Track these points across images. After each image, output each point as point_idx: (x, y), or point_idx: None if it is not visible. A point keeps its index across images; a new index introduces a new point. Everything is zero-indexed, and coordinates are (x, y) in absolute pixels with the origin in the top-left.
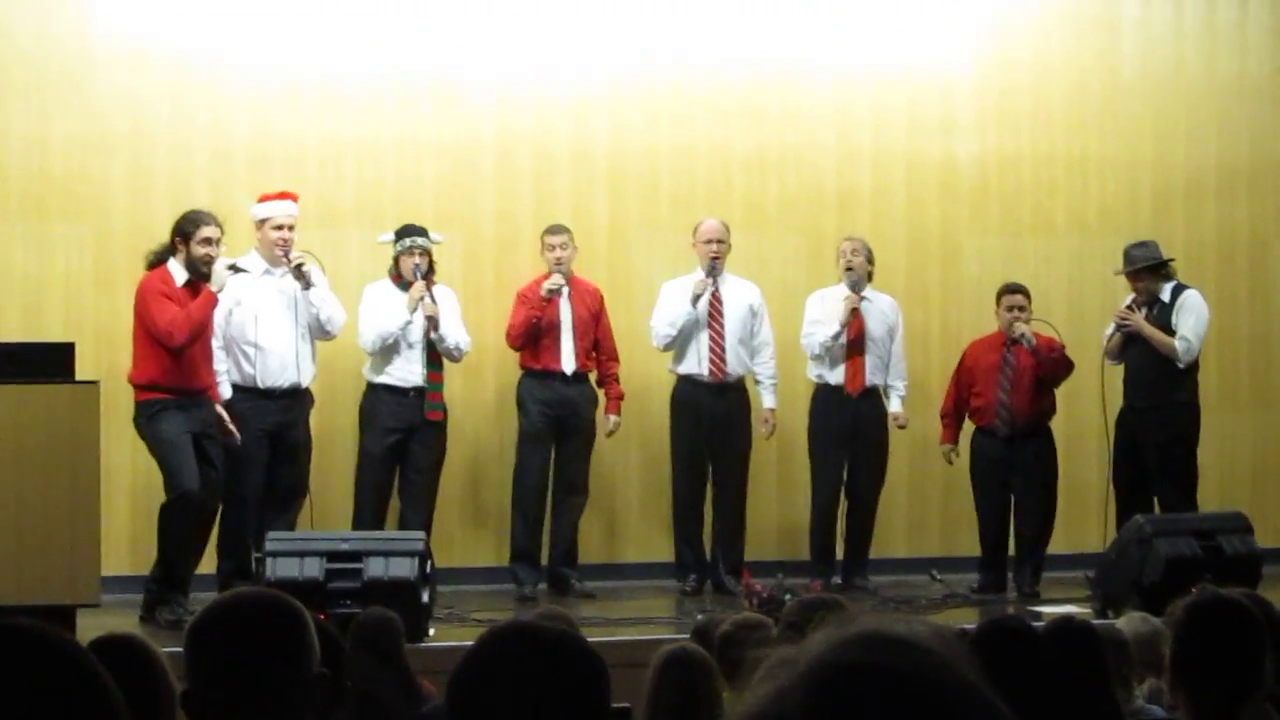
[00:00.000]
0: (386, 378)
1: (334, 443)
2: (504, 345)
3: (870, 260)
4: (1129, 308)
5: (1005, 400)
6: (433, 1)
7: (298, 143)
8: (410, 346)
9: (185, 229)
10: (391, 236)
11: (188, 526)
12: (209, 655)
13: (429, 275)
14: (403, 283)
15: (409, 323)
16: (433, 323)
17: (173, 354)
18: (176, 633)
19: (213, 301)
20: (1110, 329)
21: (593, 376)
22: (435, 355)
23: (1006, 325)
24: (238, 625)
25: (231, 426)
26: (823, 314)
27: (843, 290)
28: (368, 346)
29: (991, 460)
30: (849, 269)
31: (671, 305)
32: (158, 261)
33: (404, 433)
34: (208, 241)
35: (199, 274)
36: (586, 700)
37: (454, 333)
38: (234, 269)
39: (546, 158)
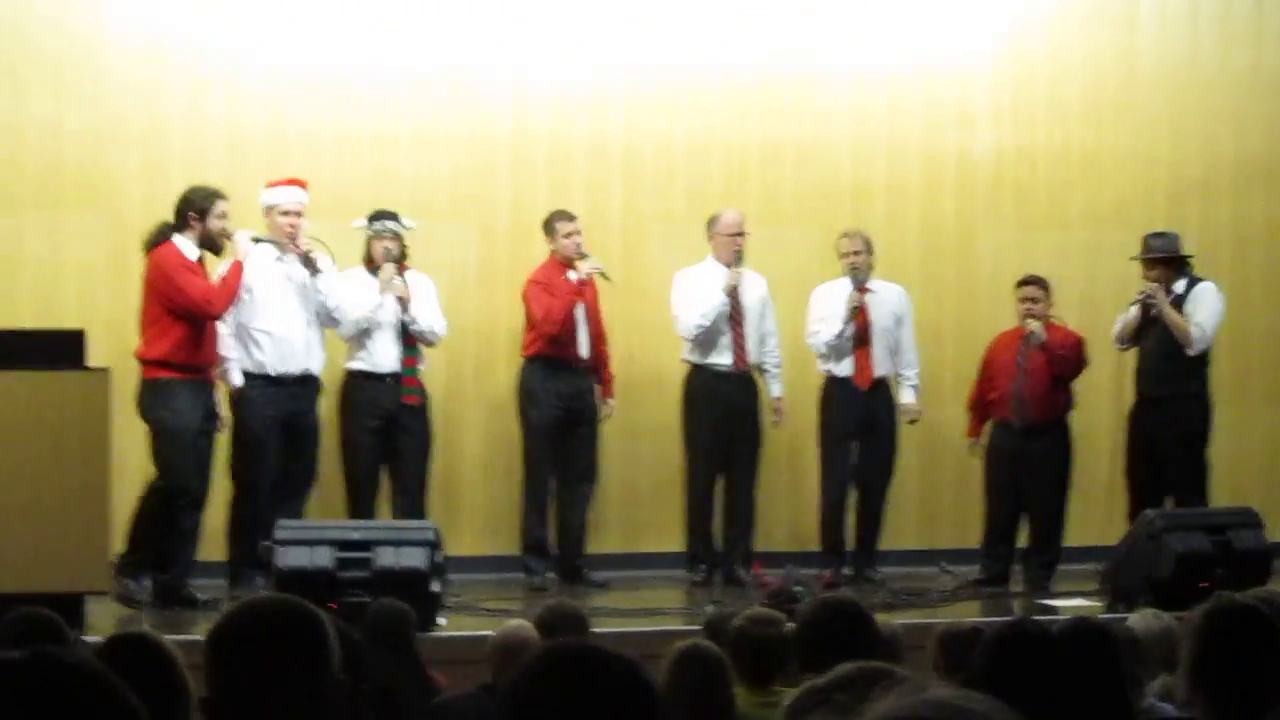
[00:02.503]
0: (362, 363)
1: (329, 432)
2: (517, 335)
3: (871, 250)
4: (1148, 293)
5: (1019, 394)
6: None
7: (312, 134)
8: (383, 330)
9: (200, 204)
10: (364, 221)
11: (164, 518)
12: (230, 662)
13: (401, 259)
14: (374, 268)
15: (380, 305)
16: (403, 304)
17: (188, 330)
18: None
19: (241, 270)
20: (1125, 315)
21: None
22: (410, 339)
23: (1021, 319)
24: (258, 632)
25: (222, 412)
26: (827, 311)
27: (846, 285)
28: (343, 332)
29: (1005, 453)
30: (853, 267)
31: (699, 296)
32: (162, 238)
33: (384, 419)
34: (224, 216)
35: (214, 248)
36: None
37: (427, 316)
38: (256, 240)
39: (562, 150)
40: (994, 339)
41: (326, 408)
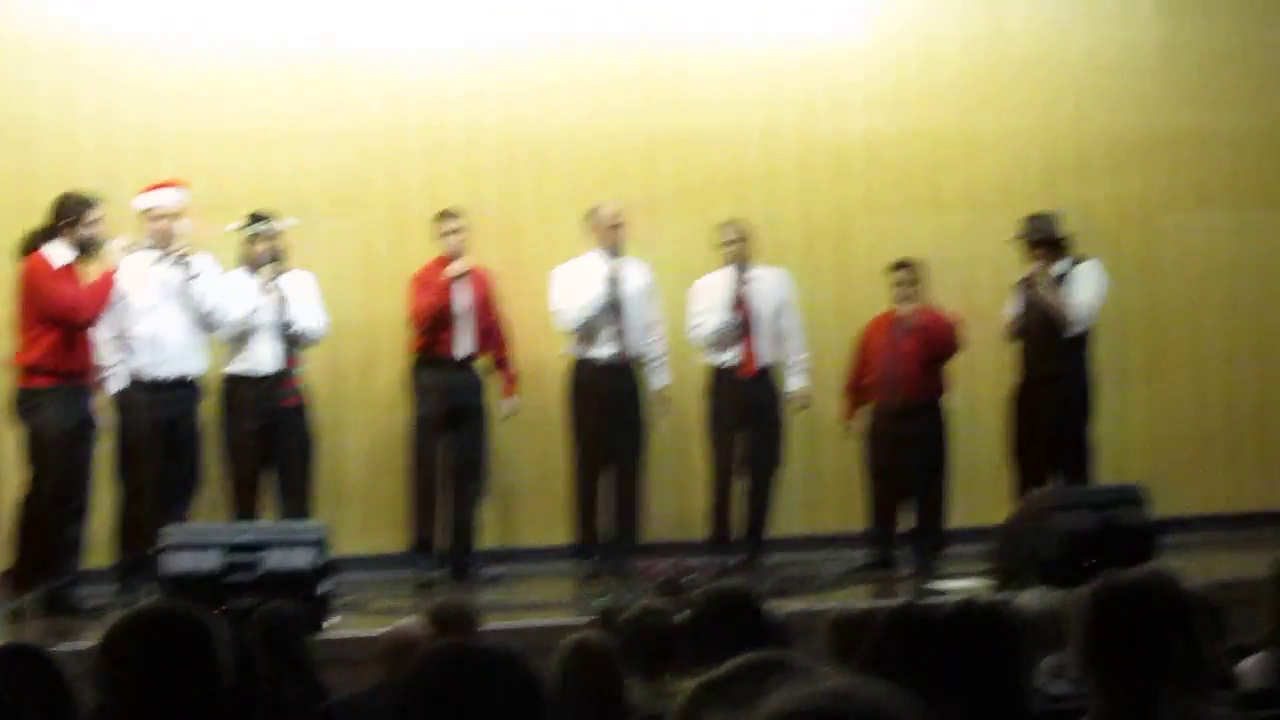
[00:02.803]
0: (241, 365)
1: (212, 436)
2: (400, 332)
3: (751, 239)
4: (1031, 276)
5: (893, 377)
6: None
7: (186, 136)
8: (262, 332)
9: (74, 210)
10: (240, 224)
11: (43, 526)
12: (120, 671)
13: (278, 259)
14: (254, 269)
15: (259, 307)
16: (282, 305)
17: (64, 336)
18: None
19: (112, 278)
20: (1012, 307)
21: (480, 362)
22: (289, 339)
23: (893, 302)
24: (147, 641)
25: (99, 419)
26: (708, 303)
27: (726, 275)
28: (222, 334)
29: (882, 436)
30: (733, 256)
31: (579, 288)
32: (34, 245)
33: (265, 421)
34: (97, 223)
35: (88, 254)
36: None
37: (305, 316)
38: (127, 248)
39: (437, 145)
40: (868, 323)
41: (208, 410)
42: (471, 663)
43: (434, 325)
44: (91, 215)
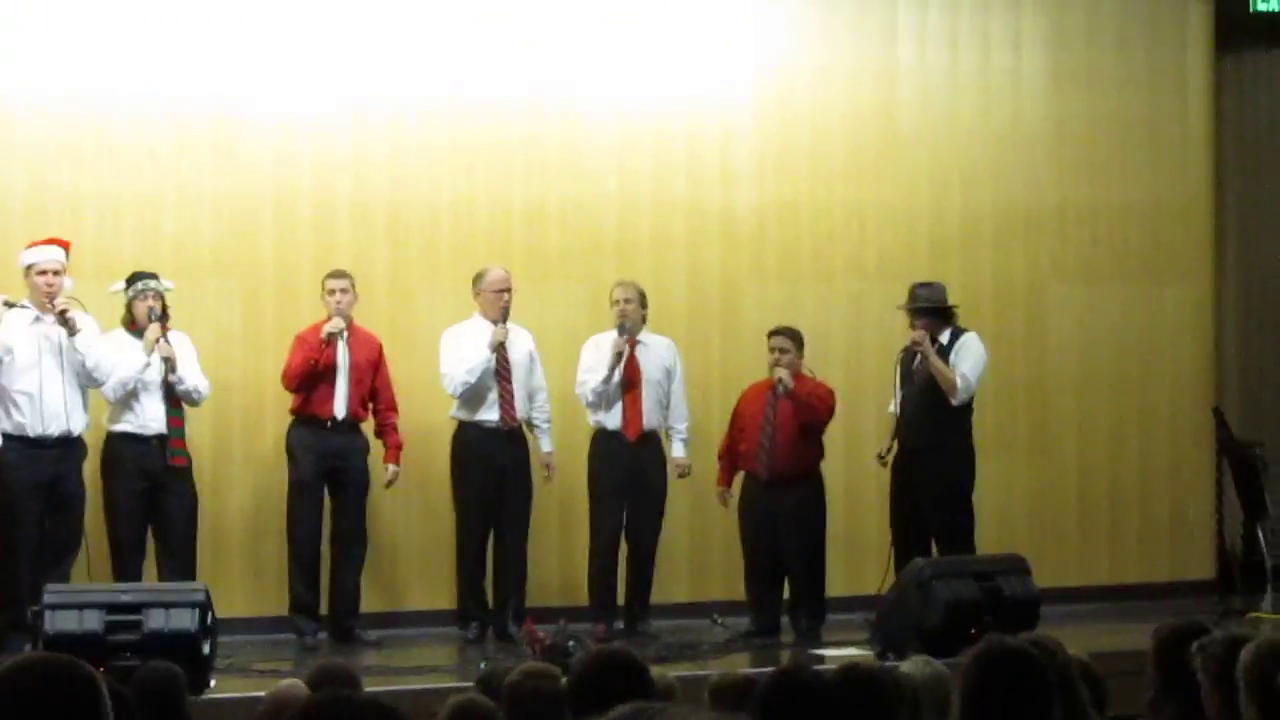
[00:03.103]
0: (127, 425)
1: (93, 495)
2: (283, 394)
3: (644, 304)
4: (915, 343)
5: (767, 446)
6: (210, 52)
7: (73, 196)
8: (149, 391)
9: None
10: (123, 285)
11: None
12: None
13: (164, 319)
14: (137, 330)
15: (147, 365)
16: (169, 364)
17: None
18: None
19: None
20: (895, 378)
21: (367, 426)
22: (175, 400)
23: (771, 369)
24: (30, 692)
25: None
26: (596, 361)
27: (614, 335)
28: (108, 393)
29: (756, 505)
30: (621, 314)
31: (465, 353)
32: None
33: (149, 481)
34: None
35: None
36: None
37: (191, 376)
38: (8, 304)
39: (326, 208)
40: (745, 390)
41: (89, 469)
42: (350, 714)
43: (308, 383)
44: None
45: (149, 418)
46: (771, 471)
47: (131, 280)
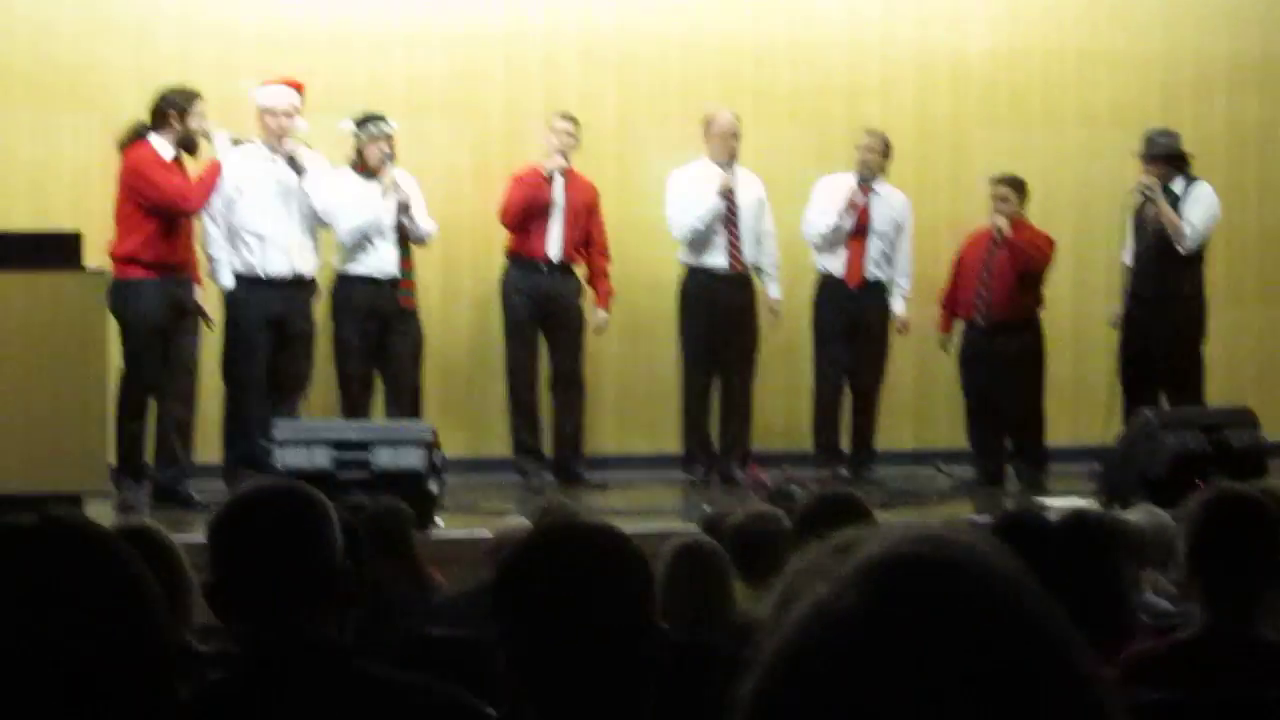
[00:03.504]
0: (360, 267)
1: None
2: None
3: (887, 154)
4: (1144, 187)
5: (983, 293)
6: None
7: (305, 31)
8: (382, 234)
9: (179, 103)
10: (351, 124)
11: (136, 417)
12: (233, 546)
13: (392, 161)
14: (365, 171)
15: (384, 209)
16: (404, 208)
17: (160, 227)
18: (125, 516)
19: (220, 169)
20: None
21: (580, 270)
22: (405, 242)
23: (990, 216)
24: (262, 516)
25: (206, 309)
26: (828, 201)
27: (851, 179)
28: (345, 238)
29: (975, 352)
30: (863, 162)
31: (692, 196)
32: (137, 137)
33: (380, 322)
34: (203, 116)
35: (191, 148)
36: (635, 599)
37: (421, 218)
38: (236, 142)
39: (555, 49)
40: (966, 237)
41: (321, 310)
42: (578, 537)
43: (524, 221)
44: (197, 108)
45: (382, 260)
46: (988, 318)
47: (362, 122)
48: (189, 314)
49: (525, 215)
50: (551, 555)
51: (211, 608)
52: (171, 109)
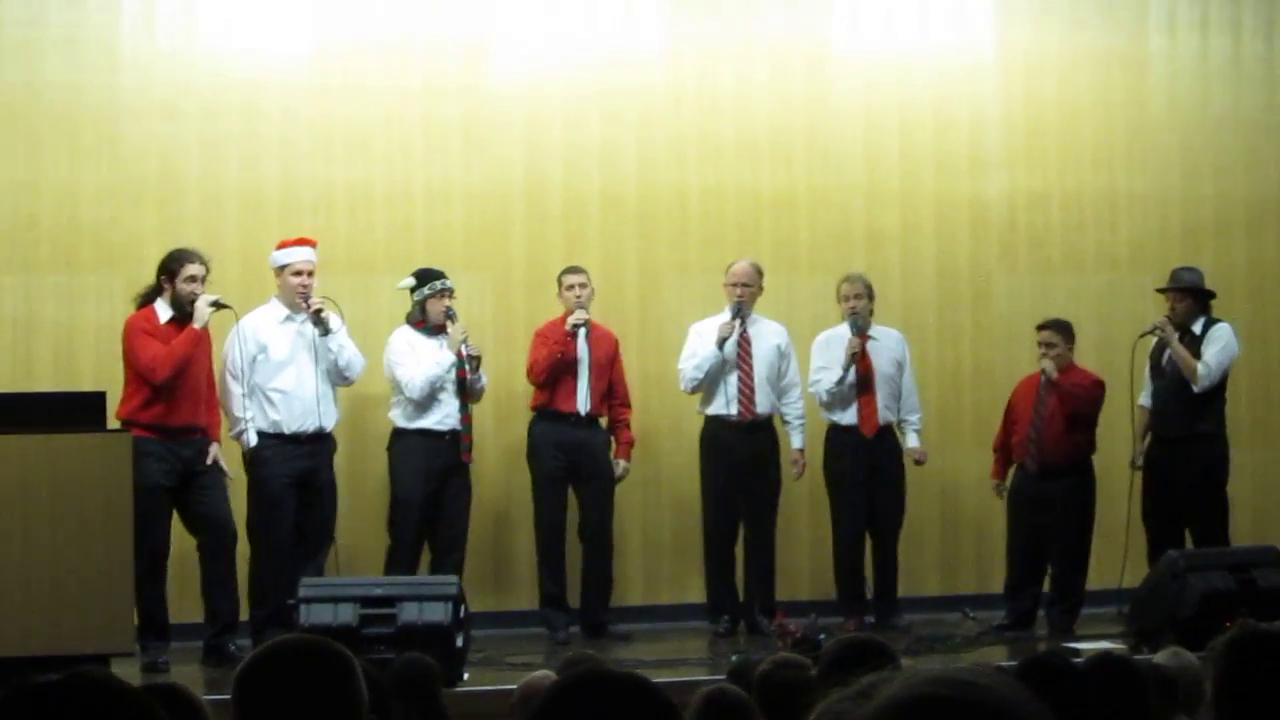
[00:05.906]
0: (424, 421)
1: (356, 488)
2: (532, 389)
3: (871, 297)
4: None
5: (1035, 437)
6: (459, 47)
7: (327, 190)
8: (445, 389)
9: (170, 267)
10: (413, 281)
11: (151, 576)
12: (258, 702)
13: (454, 317)
14: (427, 327)
15: (453, 364)
16: (475, 363)
17: (156, 390)
18: (151, 676)
19: (194, 337)
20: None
21: (604, 421)
22: (465, 396)
23: (1039, 361)
24: (287, 672)
25: (224, 464)
26: (828, 359)
27: (846, 332)
28: (416, 394)
29: (1025, 495)
30: (853, 312)
31: (698, 348)
32: (145, 301)
33: (440, 478)
34: (192, 279)
35: (184, 311)
36: None
37: (483, 374)
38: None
39: (576, 201)
40: (1019, 382)
41: (363, 465)
42: (608, 687)
43: (553, 377)
44: (187, 271)
45: (446, 415)
46: (1040, 463)
47: (423, 278)
48: (200, 474)
49: (553, 372)
50: (581, 705)
51: None
52: (164, 273)
